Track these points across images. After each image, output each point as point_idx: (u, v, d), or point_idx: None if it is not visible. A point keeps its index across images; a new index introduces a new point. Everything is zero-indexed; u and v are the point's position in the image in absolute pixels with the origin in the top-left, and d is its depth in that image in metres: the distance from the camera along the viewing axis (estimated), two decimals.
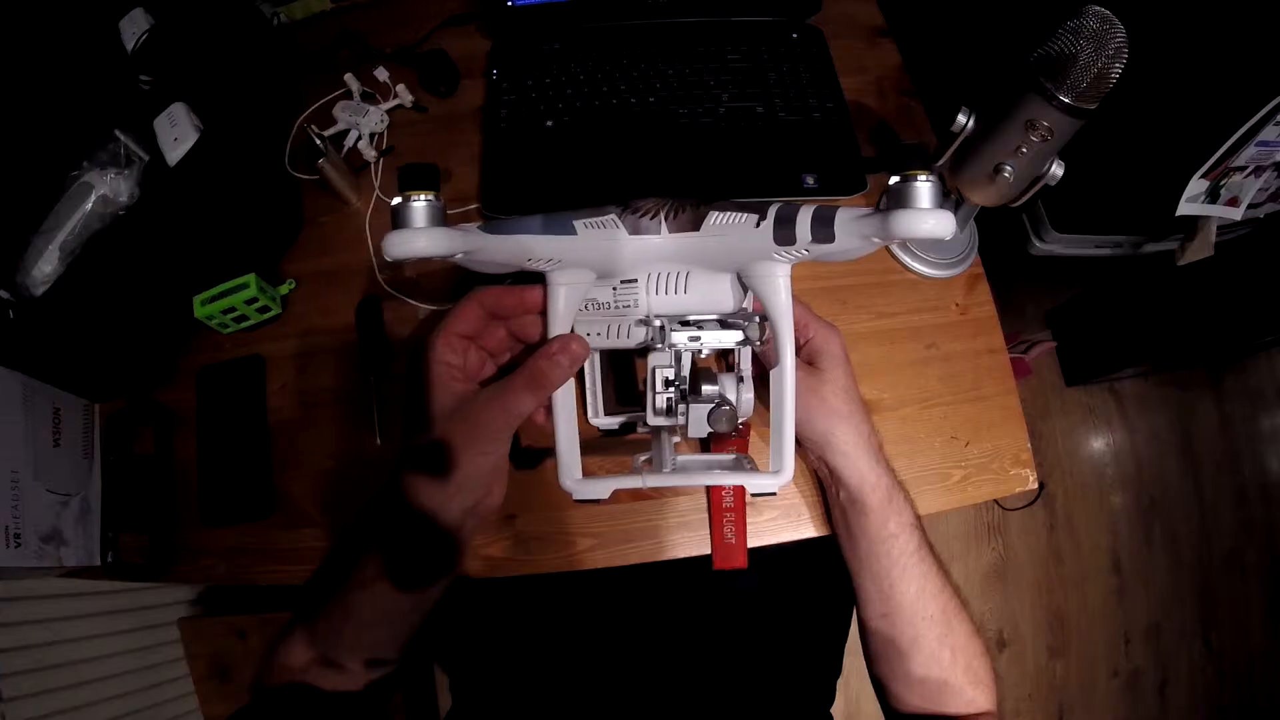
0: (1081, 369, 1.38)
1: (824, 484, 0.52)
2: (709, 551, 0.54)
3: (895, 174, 0.30)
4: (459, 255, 0.33)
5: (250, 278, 0.56)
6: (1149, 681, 1.29)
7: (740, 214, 0.35)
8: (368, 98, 0.68)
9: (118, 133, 0.57)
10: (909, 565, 0.46)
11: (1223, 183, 0.58)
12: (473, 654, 0.64)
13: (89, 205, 0.55)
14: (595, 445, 0.55)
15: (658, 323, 0.38)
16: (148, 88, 0.61)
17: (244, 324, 0.59)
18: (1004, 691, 1.23)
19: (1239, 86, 0.57)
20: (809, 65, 0.68)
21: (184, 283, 0.56)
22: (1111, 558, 1.33)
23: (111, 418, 0.58)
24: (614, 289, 0.39)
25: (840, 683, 0.65)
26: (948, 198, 0.59)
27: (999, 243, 0.67)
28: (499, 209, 0.61)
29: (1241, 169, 0.57)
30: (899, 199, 0.30)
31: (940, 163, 0.53)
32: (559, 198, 0.61)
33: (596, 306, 0.40)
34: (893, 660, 0.48)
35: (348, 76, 0.67)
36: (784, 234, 0.34)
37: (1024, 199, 0.51)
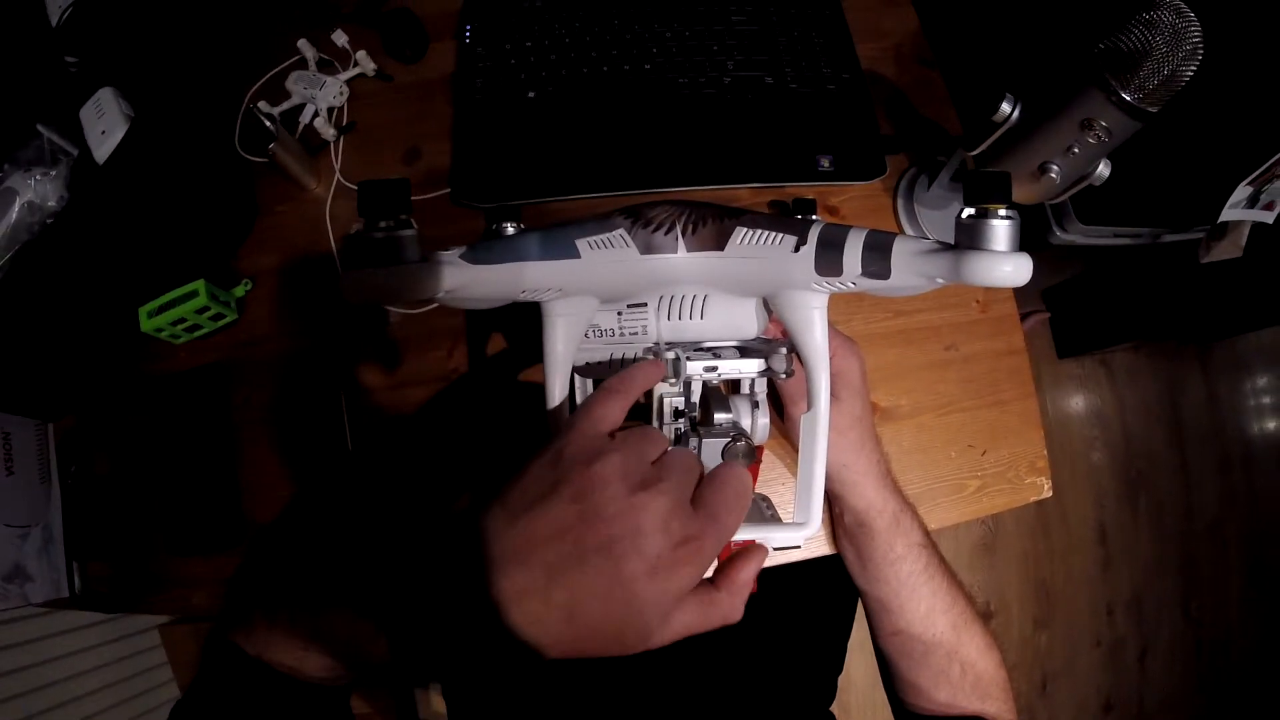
0: (1074, 341, 1.36)
1: (829, 503, 0.50)
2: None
3: (969, 205, 0.26)
4: (440, 294, 0.27)
5: (199, 284, 0.50)
6: (1130, 651, 1.33)
7: (775, 233, 0.30)
8: (325, 66, 0.60)
9: (40, 128, 0.50)
10: (918, 585, 0.46)
11: (1265, 188, 0.54)
12: (471, 665, 0.61)
13: (14, 214, 0.50)
14: None
15: (671, 354, 0.33)
16: (75, 70, 0.53)
17: (197, 333, 0.53)
18: None
19: None
20: (822, 29, 0.61)
21: (127, 291, 0.50)
22: (1098, 529, 1.35)
23: (64, 438, 0.53)
24: (619, 314, 0.34)
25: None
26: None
27: None
28: (472, 194, 0.55)
29: None
30: (972, 237, 0.25)
31: (974, 152, 0.48)
32: (541, 181, 0.55)
33: (598, 333, 0.35)
34: (903, 676, 0.48)
35: (301, 42, 0.58)
36: (828, 263, 0.29)
37: (1062, 198, 0.46)
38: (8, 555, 0.47)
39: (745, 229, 0.30)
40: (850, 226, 0.29)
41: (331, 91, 0.58)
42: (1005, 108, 0.44)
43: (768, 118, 0.57)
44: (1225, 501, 1.40)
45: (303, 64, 0.59)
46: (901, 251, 0.27)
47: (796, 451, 0.35)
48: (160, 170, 0.49)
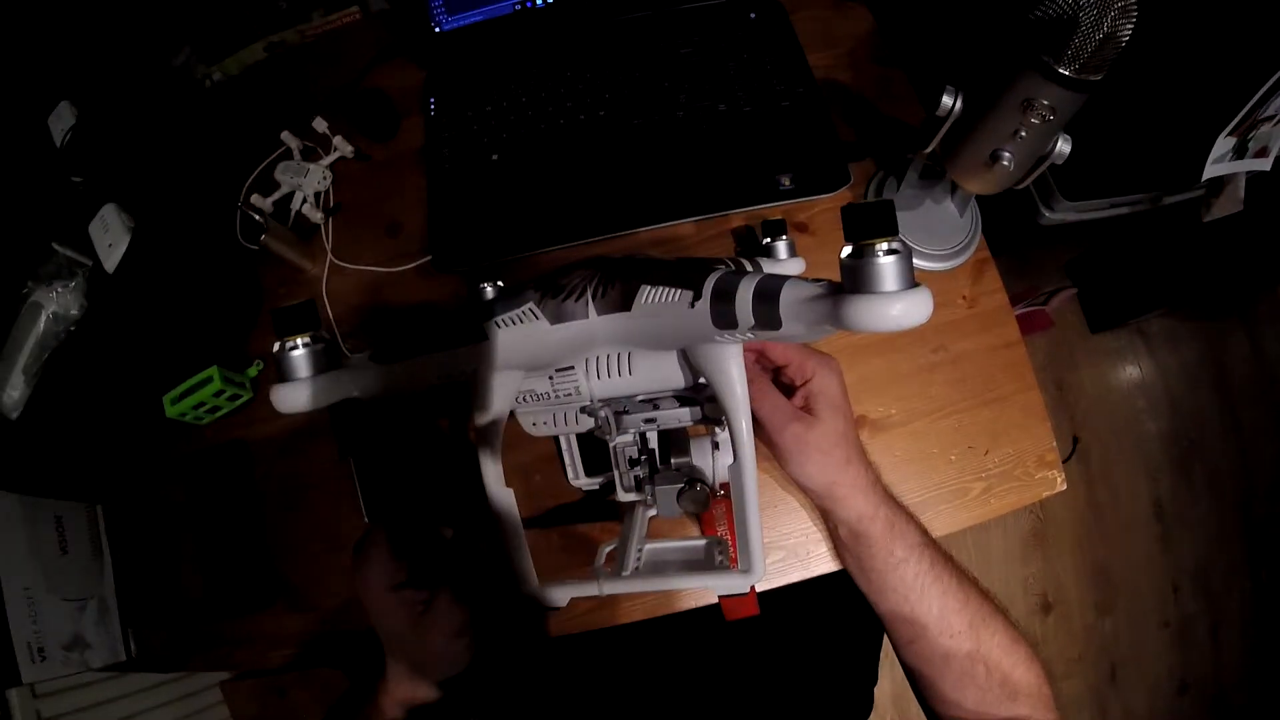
0: (1105, 314, 1.30)
1: (825, 518, 0.50)
2: (717, 600, 0.51)
3: (848, 241, 0.24)
4: (355, 394, 0.30)
5: (213, 371, 0.54)
6: (1202, 626, 1.25)
7: (674, 290, 0.30)
8: (309, 154, 0.64)
9: (56, 246, 0.56)
10: (925, 586, 0.45)
11: (1250, 136, 0.52)
12: (492, 710, 0.63)
13: (41, 326, 0.56)
14: (584, 503, 0.52)
15: (603, 413, 0.34)
16: (81, 188, 0.59)
17: (218, 413, 0.57)
18: (1052, 655, 1.17)
19: (1261, 35, 0.50)
20: (771, 47, 0.62)
21: (150, 382, 0.55)
22: (1153, 505, 1.27)
23: (111, 515, 0.58)
24: (550, 378, 0.35)
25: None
26: (941, 180, 0.54)
27: (1003, 216, 0.61)
28: (451, 259, 0.57)
29: (1270, 119, 0.51)
30: (855, 279, 0.24)
31: (928, 150, 0.47)
32: (513, 237, 0.57)
33: (535, 397, 0.36)
34: (928, 682, 0.47)
35: (285, 134, 0.63)
36: (723, 316, 0.28)
37: (1027, 181, 0.45)
38: (67, 626, 0.52)
39: (649, 287, 0.31)
40: (746, 272, 0.29)
41: (316, 177, 0.62)
42: (946, 100, 0.43)
43: (725, 144, 0.58)
44: None
45: (288, 154, 0.64)
46: (789, 299, 0.26)
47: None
48: (164, 271, 0.54)
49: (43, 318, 0.55)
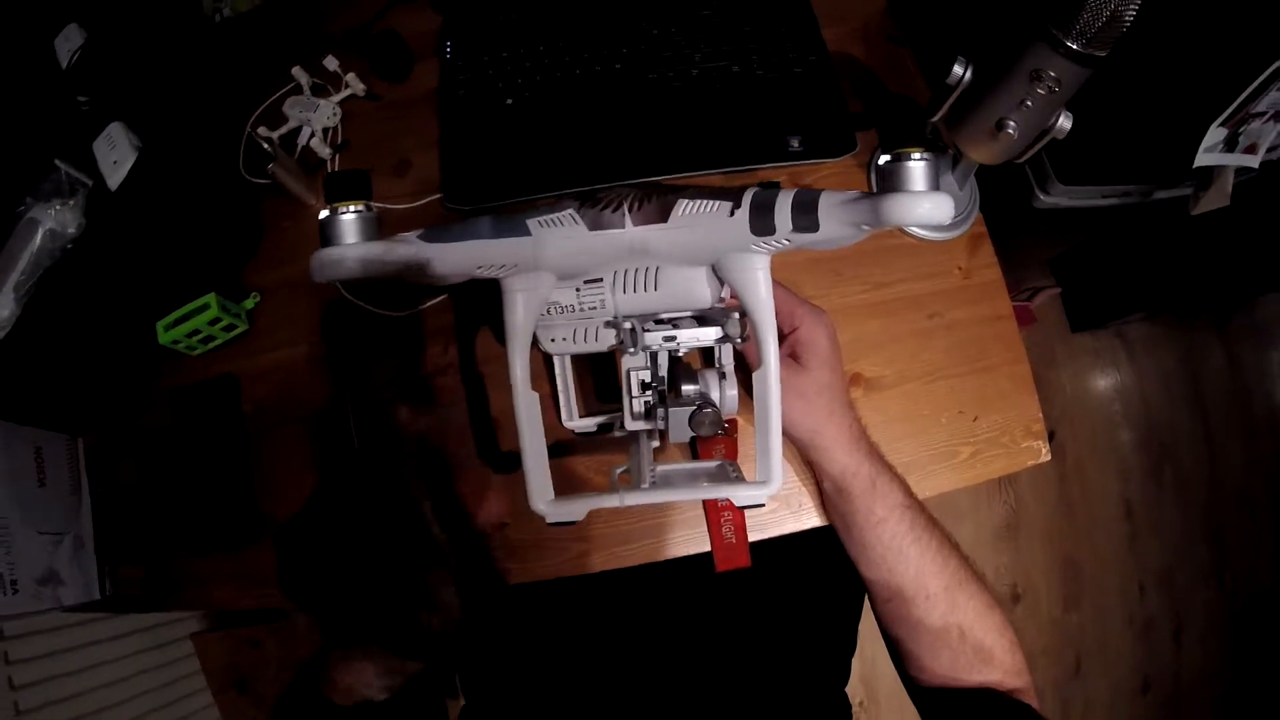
0: (1087, 315, 1.34)
1: (813, 472, 0.51)
2: (709, 549, 0.52)
3: (885, 151, 0.27)
4: (398, 269, 0.30)
5: (210, 298, 0.53)
6: (1164, 627, 1.29)
7: (712, 201, 0.32)
8: (318, 90, 0.63)
9: (58, 162, 0.55)
10: (904, 547, 0.46)
11: (1241, 130, 0.54)
12: (483, 655, 0.63)
13: (37, 241, 0.54)
14: (576, 444, 0.53)
15: (628, 324, 0.35)
16: (86, 108, 0.58)
17: (211, 344, 0.57)
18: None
19: (1260, 27, 0.52)
20: (786, 15, 0.63)
21: (144, 308, 0.54)
22: (1123, 504, 1.31)
23: (92, 450, 0.57)
24: (577, 290, 0.36)
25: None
26: (945, 154, 0.55)
27: (1000, 196, 0.63)
28: (463, 198, 0.57)
29: (1261, 114, 0.53)
30: (890, 180, 0.27)
31: (936, 118, 0.49)
32: (526, 180, 0.57)
33: (560, 310, 0.37)
34: (901, 643, 0.48)
35: (295, 69, 0.62)
36: (762, 223, 0.31)
37: (1028, 154, 0.47)
38: (41, 560, 0.50)
39: (686, 200, 0.33)
40: (780, 189, 0.31)
41: (325, 113, 0.62)
42: (957, 70, 0.45)
43: (737, 104, 0.59)
44: (1251, 469, 1.35)
45: (298, 89, 0.63)
46: (827, 204, 0.29)
47: None
48: (169, 194, 0.53)
49: (39, 234, 0.54)
